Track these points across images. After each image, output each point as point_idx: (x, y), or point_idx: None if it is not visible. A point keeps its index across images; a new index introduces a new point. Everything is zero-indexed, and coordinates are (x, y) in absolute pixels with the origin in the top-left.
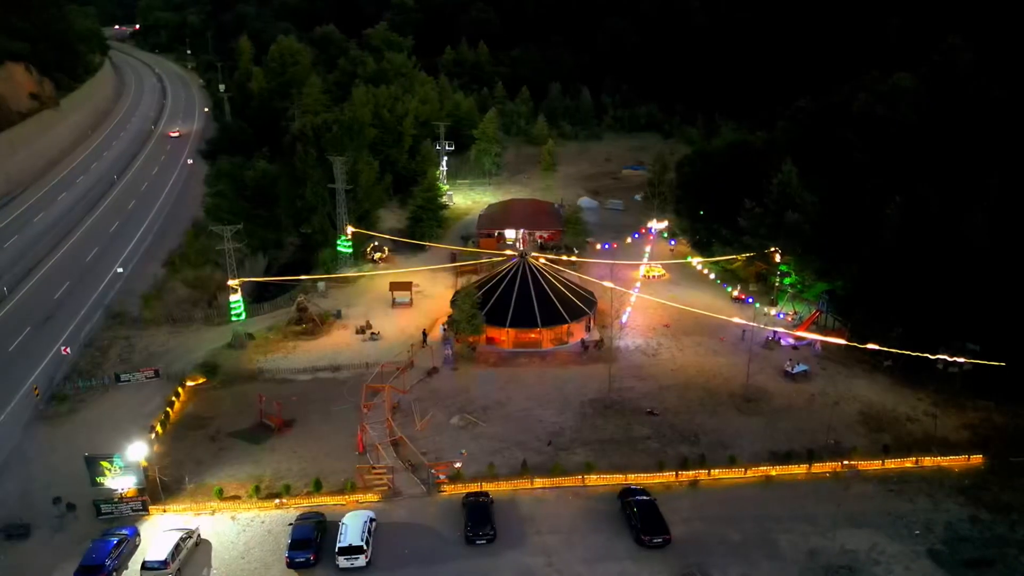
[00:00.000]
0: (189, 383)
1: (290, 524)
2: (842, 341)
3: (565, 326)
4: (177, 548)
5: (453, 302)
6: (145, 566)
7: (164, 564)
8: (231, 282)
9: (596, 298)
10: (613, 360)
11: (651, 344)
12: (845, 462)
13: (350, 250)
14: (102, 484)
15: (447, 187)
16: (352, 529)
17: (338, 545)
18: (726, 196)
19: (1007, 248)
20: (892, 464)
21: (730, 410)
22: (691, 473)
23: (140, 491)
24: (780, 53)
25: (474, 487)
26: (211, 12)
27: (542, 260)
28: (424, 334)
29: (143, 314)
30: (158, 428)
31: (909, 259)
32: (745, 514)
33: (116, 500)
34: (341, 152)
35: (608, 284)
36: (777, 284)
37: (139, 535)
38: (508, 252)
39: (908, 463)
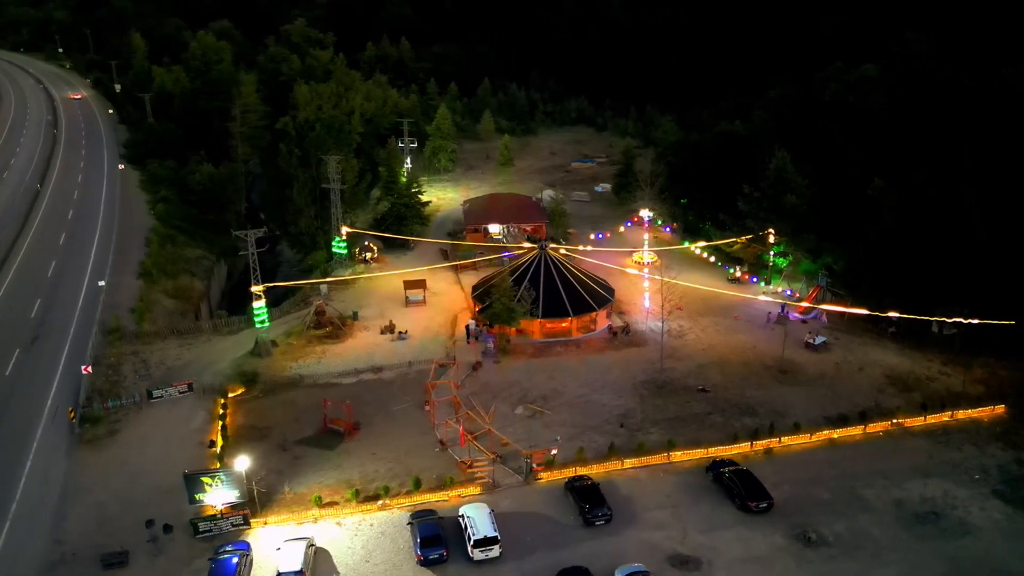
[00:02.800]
0: (230, 395)
1: (409, 523)
2: (864, 311)
3: (593, 314)
4: (306, 557)
5: (477, 297)
6: None
7: (300, 574)
8: (255, 288)
9: (612, 286)
10: (643, 343)
11: (673, 327)
12: (894, 421)
13: (345, 251)
14: (201, 501)
15: (415, 185)
16: (480, 521)
17: (473, 538)
18: (717, 183)
19: (987, 224)
20: (932, 419)
21: (771, 382)
22: (764, 442)
23: (240, 505)
24: (708, 50)
25: (568, 472)
26: (79, 7)
27: (562, 251)
28: (467, 330)
29: (140, 328)
30: (218, 441)
31: (904, 237)
32: (825, 474)
33: (219, 516)
34: (325, 152)
35: (641, 272)
36: (771, 264)
37: (251, 549)
38: (526, 244)
39: (945, 417)
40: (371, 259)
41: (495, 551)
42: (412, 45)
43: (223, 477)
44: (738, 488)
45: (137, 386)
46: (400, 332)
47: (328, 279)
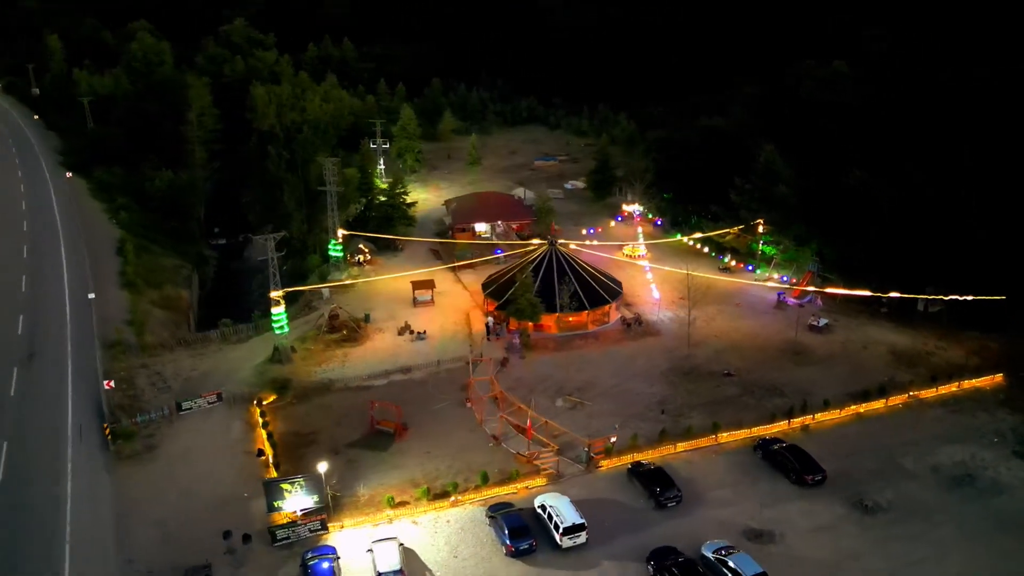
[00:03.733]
0: (264, 402)
1: (491, 516)
2: (867, 292)
3: (607, 307)
4: (400, 556)
5: (491, 295)
6: None
7: (400, 572)
8: (274, 294)
9: (619, 280)
10: (658, 333)
11: (681, 316)
12: (910, 393)
13: (341, 253)
14: (280, 508)
15: (386, 185)
16: (564, 510)
17: (562, 526)
18: (704, 177)
19: (973, 211)
20: (943, 390)
21: (787, 363)
22: (800, 420)
23: (317, 510)
24: (658, 48)
25: (625, 459)
26: None
27: (572, 246)
28: (487, 327)
29: (142, 340)
30: (267, 450)
31: (891, 224)
32: (863, 446)
33: (299, 522)
34: (312, 154)
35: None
36: (759, 252)
37: (337, 553)
38: (535, 241)
39: (953, 387)
40: (364, 261)
41: (582, 537)
42: (354, 45)
43: (302, 483)
44: (792, 463)
45: (159, 399)
46: (418, 332)
47: (341, 282)
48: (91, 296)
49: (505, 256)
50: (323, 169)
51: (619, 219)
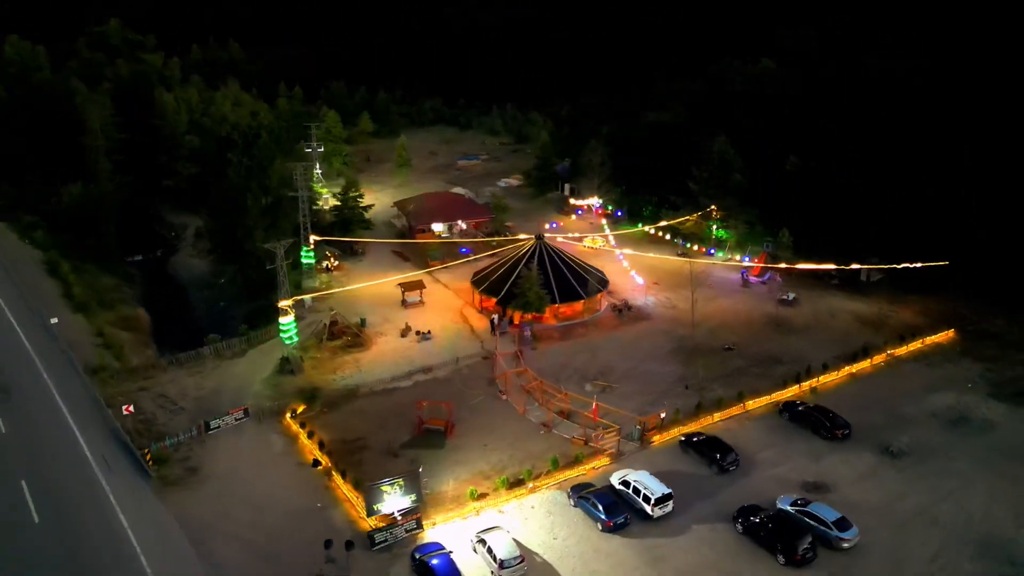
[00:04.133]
0: (297, 412)
1: (581, 497)
2: (832, 266)
3: (599, 295)
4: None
5: (486, 291)
6: (504, 565)
7: (520, 559)
8: (283, 303)
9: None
10: (648, 317)
11: (661, 299)
12: (888, 352)
13: (313, 260)
14: (379, 511)
15: (325, 189)
16: (649, 483)
17: (653, 497)
18: (658, 168)
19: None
20: (912, 347)
21: (774, 335)
22: (807, 383)
23: (412, 510)
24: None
25: (672, 433)
26: None
27: (559, 240)
28: (492, 323)
29: (125, 363)
30: (322, 459)
31: (834, 205)
32: (864, 401)
33: (398, 523)
34: (271, 160)
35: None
36: (714, 236)
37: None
38: (522, 236)
39: (919, 344)
40: (332, 268)
41: (670, 506)
42: (241, 46)
43: (401, 483)
44: (823, 421)
45: (175, 421)
46: (423, 333)
47: (344, 288)
48: (54, 321)
49: (495, 251)
50: (294, 173)
51: (580, 212)
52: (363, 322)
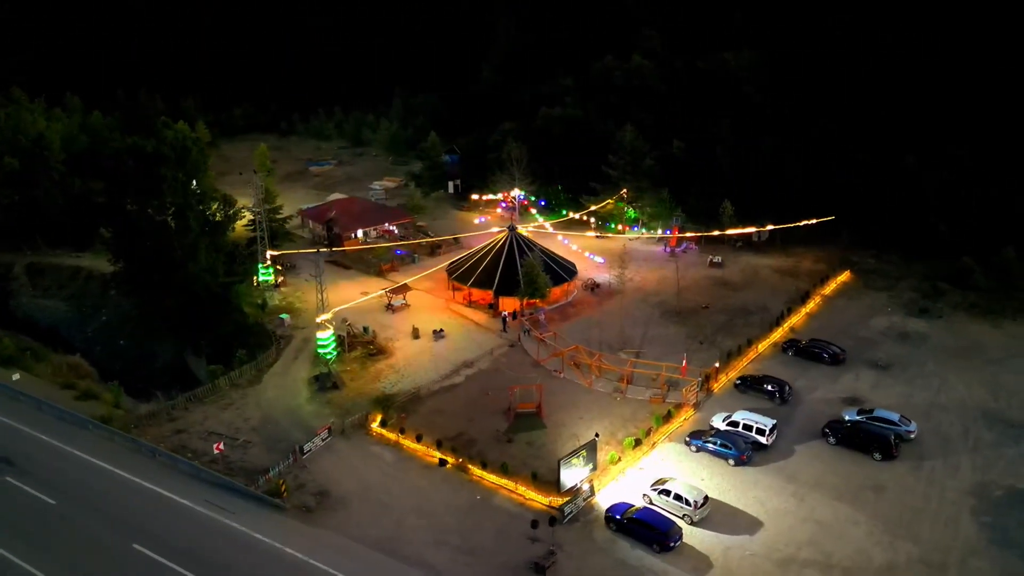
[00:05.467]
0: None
1: (706, 441)
2: (753, 229)
3: (576, 278)
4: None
5: (475, 283)
6: (699, 505)
7: (707, 497)
8: (321, 318)
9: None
10: (619, 292)
11: (615, 277)
12: (820, 293)
13: (271, 277)
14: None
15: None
16: (757, 419)
17: (766, 429)
18: (573, 159)
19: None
20: (833, 286)
21: (729, 292)
22: (786, 325)
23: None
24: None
25: (718, 383)
26: None
27: (530, 229)
28: (504, 320)
29: (127, 409)
30: (448, 458)
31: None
32: (830, 333)
33: (580, 493)
34: (196, 175)
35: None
36: (626, 215)
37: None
38: (495, 230)
39: (833, 285)
40: (280, 283)
41: (775, 435)
42: None
43: (584, 453)
44: (827, 350)
45: (252, 454)
46: (437, 331)
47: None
48: (15, 377)
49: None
50: (254, 185)
51: (504, 206)
52: (366, 330)
